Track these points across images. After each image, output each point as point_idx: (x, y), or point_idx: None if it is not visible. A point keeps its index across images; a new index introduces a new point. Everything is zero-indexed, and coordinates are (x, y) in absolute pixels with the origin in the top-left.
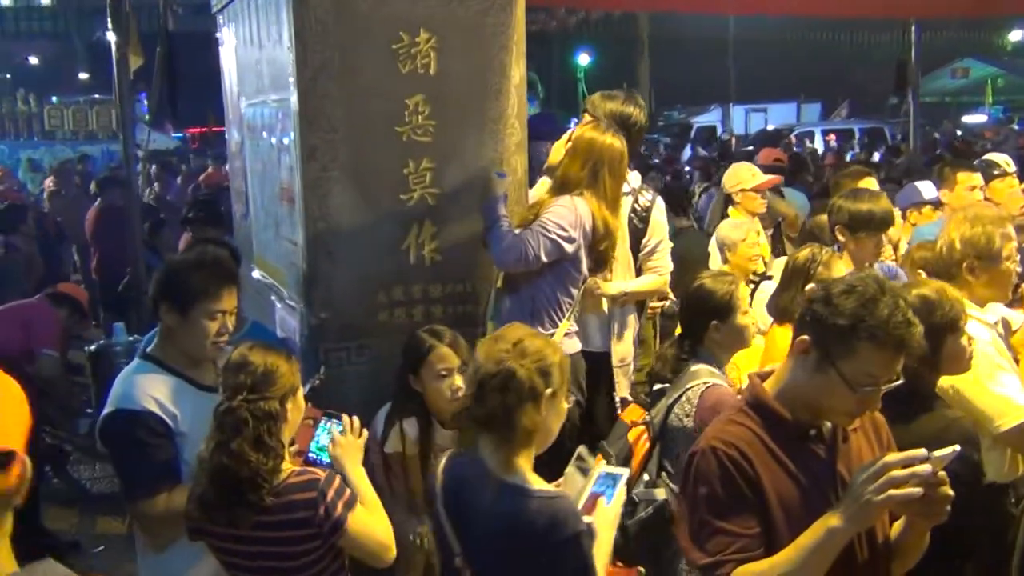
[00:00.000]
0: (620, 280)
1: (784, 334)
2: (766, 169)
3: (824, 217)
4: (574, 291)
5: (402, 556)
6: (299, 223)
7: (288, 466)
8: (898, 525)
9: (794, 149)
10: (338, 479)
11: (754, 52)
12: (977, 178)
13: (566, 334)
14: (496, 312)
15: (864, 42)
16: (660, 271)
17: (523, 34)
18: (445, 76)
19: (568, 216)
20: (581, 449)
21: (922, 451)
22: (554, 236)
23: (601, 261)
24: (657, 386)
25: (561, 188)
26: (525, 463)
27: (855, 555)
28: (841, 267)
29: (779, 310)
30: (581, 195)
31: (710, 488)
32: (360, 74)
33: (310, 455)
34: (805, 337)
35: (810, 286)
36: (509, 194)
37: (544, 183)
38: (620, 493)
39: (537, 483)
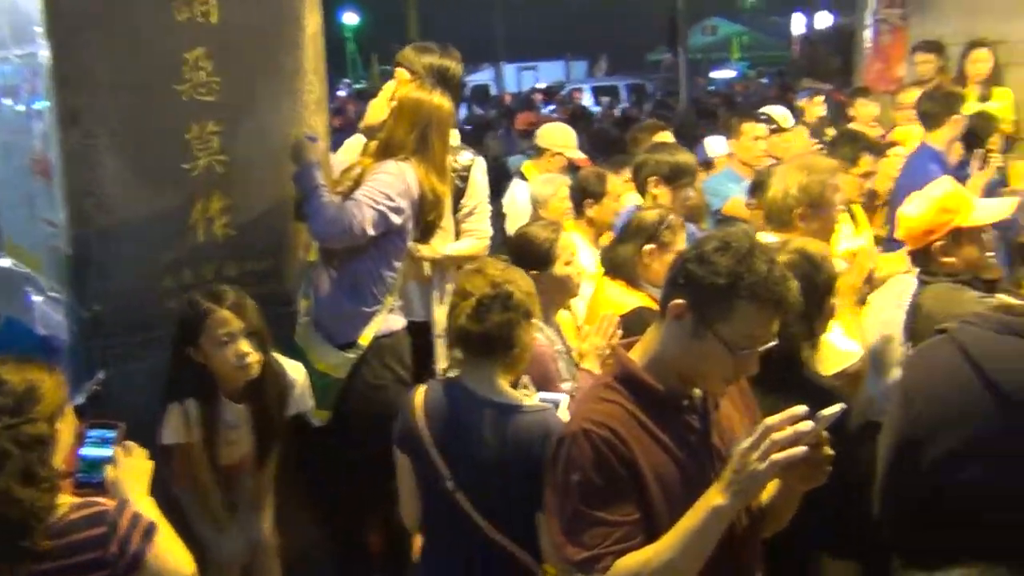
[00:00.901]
0: (440, 243)
1: (615, 288)
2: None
3: None
4: (398, 264)
5: None
6: (60, 200)
7: (67, 499)
8: (771, 487)
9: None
10: (132, 504)
11: (522, 10)
12: (762, 129)
13: (390, 310)
14: (310, 289)
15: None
16: (479, 235)
17: None
18: (229, 25)
19: (396, 184)
20: None
21: (802, 408)
22: (381, 207)
23: (428, 231)
24: None
25: (385, 151)
26: (506, 384)
27: (735, 526)
28: (683, 237)
29: (613, 265)
30: (407, 160)
31: (583, 475)
32: (128, 23)
33: (79, 476)
34: (680, 301)
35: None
36: (322, 159)
37: (353, 145)
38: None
39: (526, 399)
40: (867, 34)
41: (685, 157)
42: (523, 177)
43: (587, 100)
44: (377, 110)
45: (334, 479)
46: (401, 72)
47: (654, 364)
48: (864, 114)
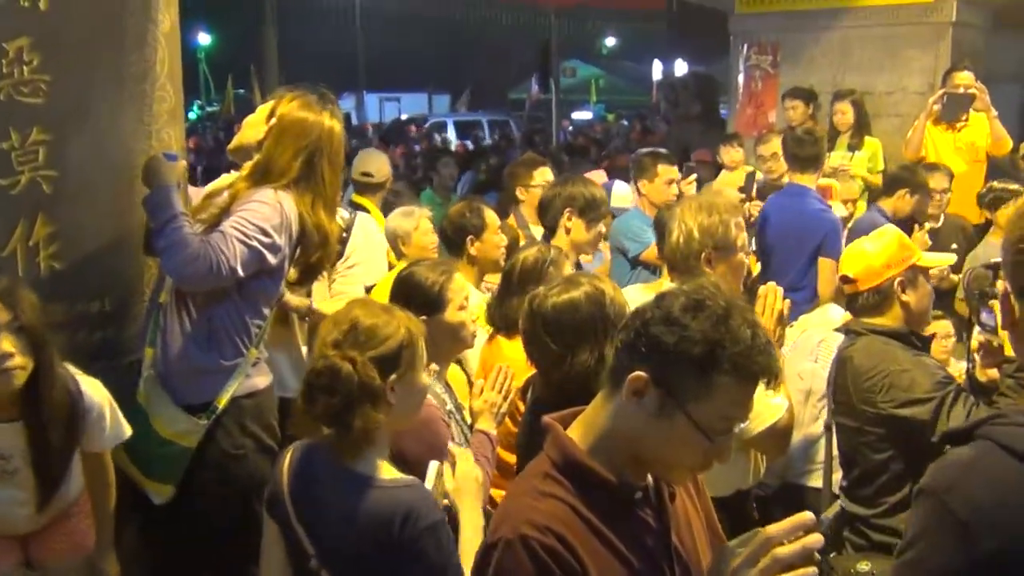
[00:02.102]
0: (317, 295)
1: (511, 347)
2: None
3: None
4: (267, 311)
5: None
6: None
7: None
8: None
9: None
10: None
11: (385, 39)
12: (675, 172)
13: (254, 365)
14: (157, 337)
15: (486, 34)
16: (351, 297)
17: None
18: (62, 13)
19: (272, 216)
20: None
21: (810, 515)
22: (254, 242)
23: (310, 275)
24: None
25: (262, 177)
26: (374, 449)
27: None
28: (568, 265)
29: (505, 320)
30: (287, 188)
31: None
32: None
33: None
34: (641, 374)
35: (641, 303)
36: (182, 181)
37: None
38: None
39: (387, 472)
40: (739, 80)
41: (598, 191)
42: (362, 208)
43: (451, 133)
44: (253, 129)
45: (183, 566)
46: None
47: (602, 448)
48: (731, 159)
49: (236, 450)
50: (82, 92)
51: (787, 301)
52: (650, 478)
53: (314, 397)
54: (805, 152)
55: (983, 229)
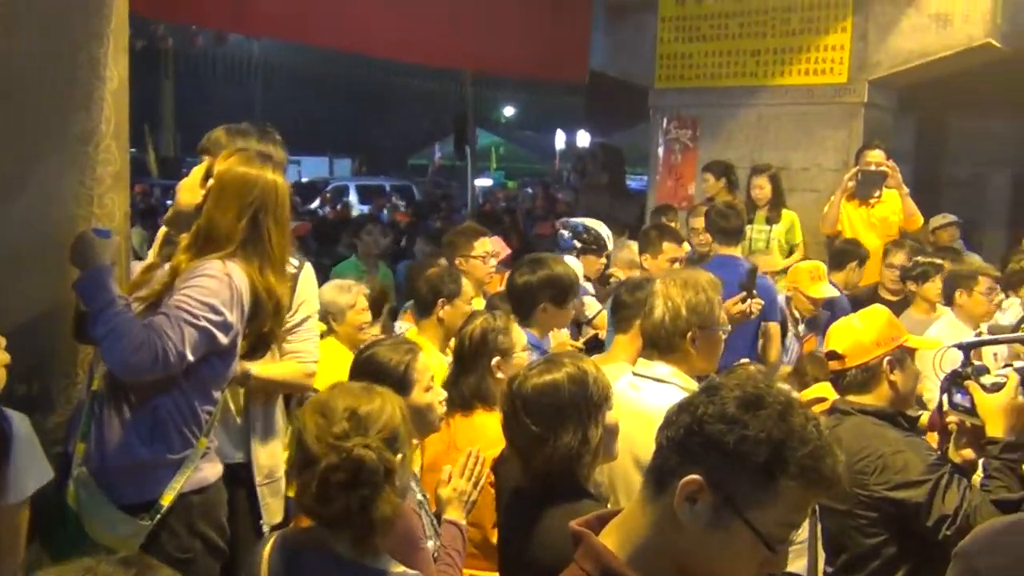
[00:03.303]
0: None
1: (488, 420)
2: None
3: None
4: (218, 395)
5: None
6: None
7: None
8: None
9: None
10: None
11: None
12: (682, 251)
13: (203, 456)
14: (91, 427)
15: (387, 98)
16: (303, 358)
17: (125, 23)
18: (10, 71)
19: (221, 291)
20: None
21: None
22: (203, 322)
23: (261, 347)
24: None
25: (205, 245)
26: (382, 542)
27: None
28: (520, 333)
29: (465, 399)
30: (234, 256)
31: None
32: None
33: None
34: (696, 478)
35: (682, 396)
36: (116, 259)
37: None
38: None
39: (395, 566)
40: (659, 152)
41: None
42: None
43: (352, 197)
44: (188, 193)
45: None
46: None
47: (643, 558)
48: None
49: (183, 554)
50: (16, 152)
51: None
52: None
53: (331, 496)
54: (730, 225)
55: (900, 304)
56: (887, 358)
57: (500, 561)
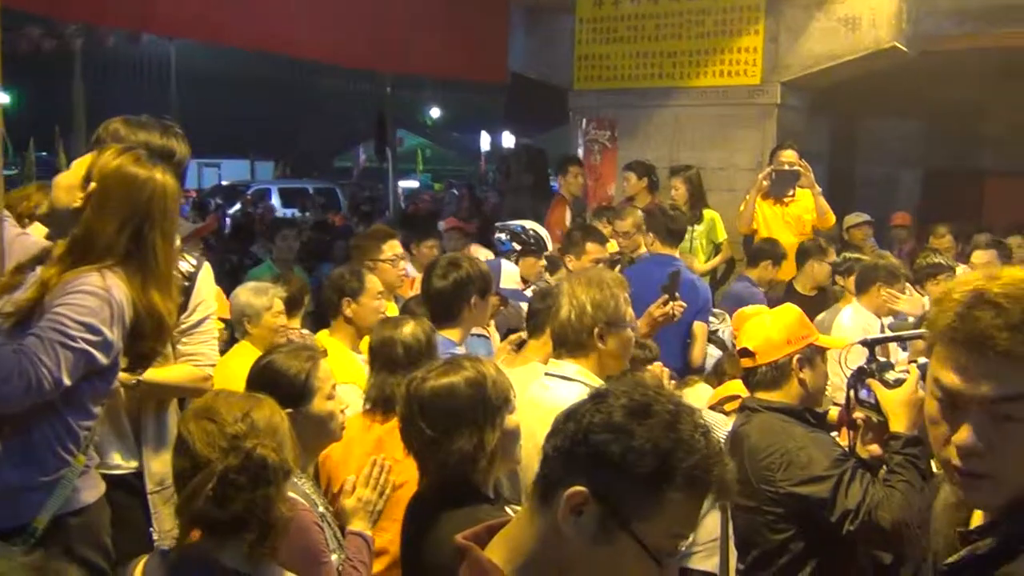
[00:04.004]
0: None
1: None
2: None
3: None
4: (98, 410)
5: None
6: None
7: None
8: None
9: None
10: None
11: (204, 103)
12: (605, 252)
13: (81, 474)
14: None
15: (310, 100)
16: (199, 360)
17: None
18: None
19: (99, 309)
20: None
21: None
22: (80, 343)
23: (142, 363)
24: None
25: (83, 256)
26: (276, 552)
27: None
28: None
29: (376, 400)
30: (114, 269)
31: None
32: None
33: None
34: (580, 489)
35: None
36: None
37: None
38: None
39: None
40: (579, 153)
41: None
42: None
43: (275, 200)
44: (66, 192)
45: None
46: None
47: (528, 572)
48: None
49: None
50: None
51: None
52: None
53: (231, 497)
54: (678, 226)
55: (816, 300)
56: (797, 356)
57: (402, 567)
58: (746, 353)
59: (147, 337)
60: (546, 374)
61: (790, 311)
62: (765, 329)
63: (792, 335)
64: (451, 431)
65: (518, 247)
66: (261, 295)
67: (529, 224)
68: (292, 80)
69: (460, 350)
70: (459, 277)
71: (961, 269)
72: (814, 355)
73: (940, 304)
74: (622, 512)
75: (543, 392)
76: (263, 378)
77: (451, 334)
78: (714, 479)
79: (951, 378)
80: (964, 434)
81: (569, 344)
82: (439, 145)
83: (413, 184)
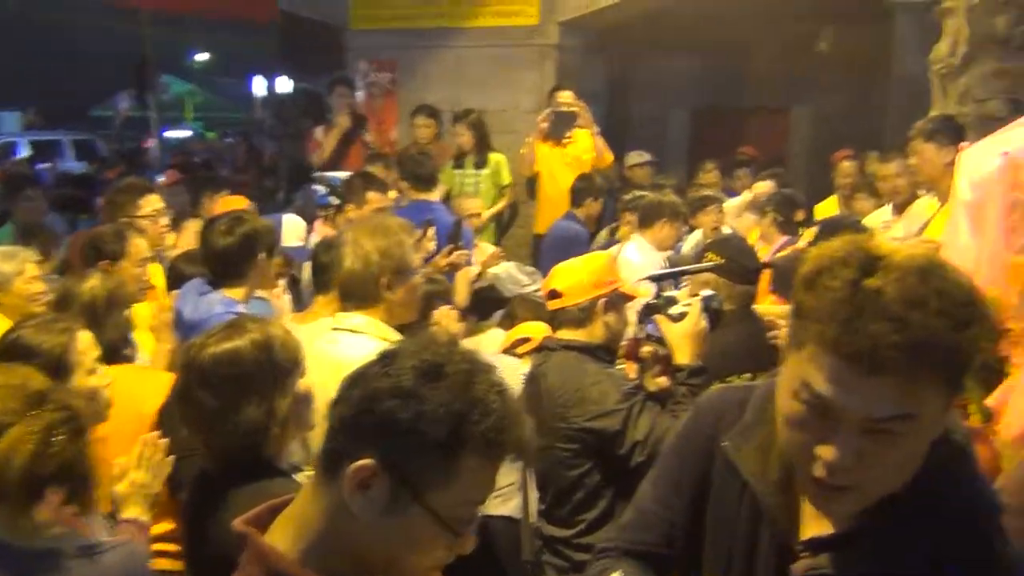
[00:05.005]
0: None
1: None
2: None
3: None
4: None
5: None
6: None
7: None
8: None
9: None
10: None
11: None
12: (388, 200)
13: None
14: None
15: (58, 40)
16: None
17: None
18: None
19: None
20: None
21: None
22: None
23: None
24: None
25: None
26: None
27: None
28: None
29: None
30: None
31: None
32: None
33: None
34: (367, 462)
35: (376, 346)
36: None
37: None
38: None
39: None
40: (359, 96)
41: None
42: None
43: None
44: None
45: None
46: None
47: (318, 554)
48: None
49: None
50: None
51: None
52: None
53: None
54: (426, 171)
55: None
56: (603, 300)
57: (184, 554)
58: (554, 295)
59: None
60: (334, 328)
61: (600, 257)
62: (576, 272)
63: (600, 279)
64: (238, 400)
65: (335, 200)
66: (9, 260)
67: (346, 176)
68: (42, 20)
69: (242, 308)
70: (246, 232)
71: (728, 202)
72: (619, 300)
73: (812, 287)
74: (414, 483)
75: (331, 347)
76: (10, 355)
77: (234, 293)
78: (511, 441)
79: (827, 388)
80: (836, 452)
81: (356, 296)
82: (209, 91)
83: (185, 133)
